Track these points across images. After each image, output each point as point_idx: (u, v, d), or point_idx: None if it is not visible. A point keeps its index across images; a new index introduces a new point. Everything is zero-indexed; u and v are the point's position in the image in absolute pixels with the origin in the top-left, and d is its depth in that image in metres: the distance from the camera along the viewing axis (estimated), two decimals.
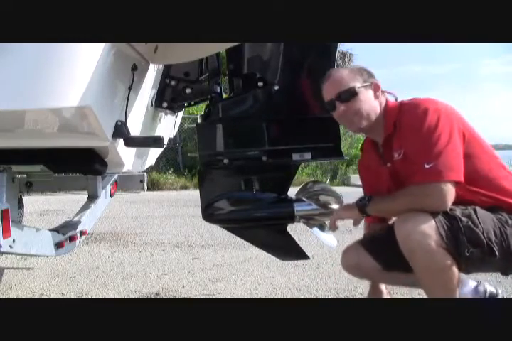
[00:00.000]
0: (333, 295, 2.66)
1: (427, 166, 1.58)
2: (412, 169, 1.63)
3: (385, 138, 1.77)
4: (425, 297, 1.70)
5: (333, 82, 1.76)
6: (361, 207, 1.75)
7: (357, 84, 1.73)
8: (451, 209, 1.61)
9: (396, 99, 1.80)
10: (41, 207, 6.08)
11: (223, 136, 2.07)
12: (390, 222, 1.87)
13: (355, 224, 1.84)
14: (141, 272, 3.27)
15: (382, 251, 1.79)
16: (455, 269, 1.58)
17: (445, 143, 1.59)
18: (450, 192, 1.58)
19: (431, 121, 1.61)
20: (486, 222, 1.61)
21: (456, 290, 1.62)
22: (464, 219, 1.59)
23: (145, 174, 3.24)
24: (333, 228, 1.85)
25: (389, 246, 1.70)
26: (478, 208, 1.63)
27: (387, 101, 1.78)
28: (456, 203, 1.61)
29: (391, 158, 1.75)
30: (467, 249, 1.57)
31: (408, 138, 1.67)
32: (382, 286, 1.95)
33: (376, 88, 1.76)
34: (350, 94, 1.72)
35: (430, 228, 1.56)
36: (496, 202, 1.67)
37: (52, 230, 2.41)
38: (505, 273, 1.77)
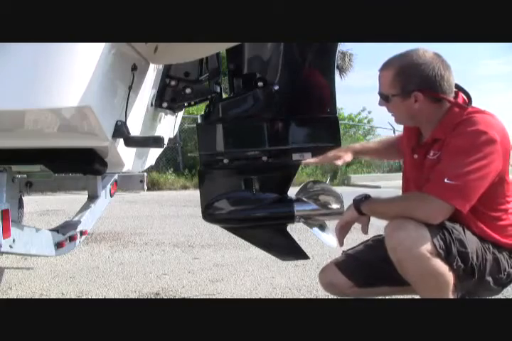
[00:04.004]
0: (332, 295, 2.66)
1: (446, 181, 1.56)
2: (433, 175, 1.63)
3: (432, 139, 1.73)
4: None
5: (380, 78, 1.72)
6: (357, 203, 1.75)
7: (392, 91, 1.68)
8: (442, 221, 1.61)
9: (470, 99, 1.71)
10: (41, 207, 6.08)
11: (223, 136, 2.07)
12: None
13: (364, 230, 1.82)
14: (141, 272, 3.27)
15: (354, 270, 1.84)
16: (450, 276, 1.57)
17: (478, 175, 1.57)
18: (447, 215, 1.58)
19: (482, 149, 1.57)
20: (473, 241, 1.63)
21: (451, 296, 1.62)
22: (455, 231, 1.60)
23: (145, 174, 3.24)
24: (340, 238, 1.81)
25: (361, 265, 1.83)
26: (465, 228, 1.64)
27: (451, 105, 1.68)
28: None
29: (424, 154, 1.74)
30: (456, 262, 1.57)
31: (451, 149, 1.63)
32: None
33: (416, 99, 1.65)
34: (386, 98, 1.71)
35: (424, 237, 1.56)
36: (485, 235, 1.68)
37: (52, 230, 2.40)
38: (469, 295, 1.75)
